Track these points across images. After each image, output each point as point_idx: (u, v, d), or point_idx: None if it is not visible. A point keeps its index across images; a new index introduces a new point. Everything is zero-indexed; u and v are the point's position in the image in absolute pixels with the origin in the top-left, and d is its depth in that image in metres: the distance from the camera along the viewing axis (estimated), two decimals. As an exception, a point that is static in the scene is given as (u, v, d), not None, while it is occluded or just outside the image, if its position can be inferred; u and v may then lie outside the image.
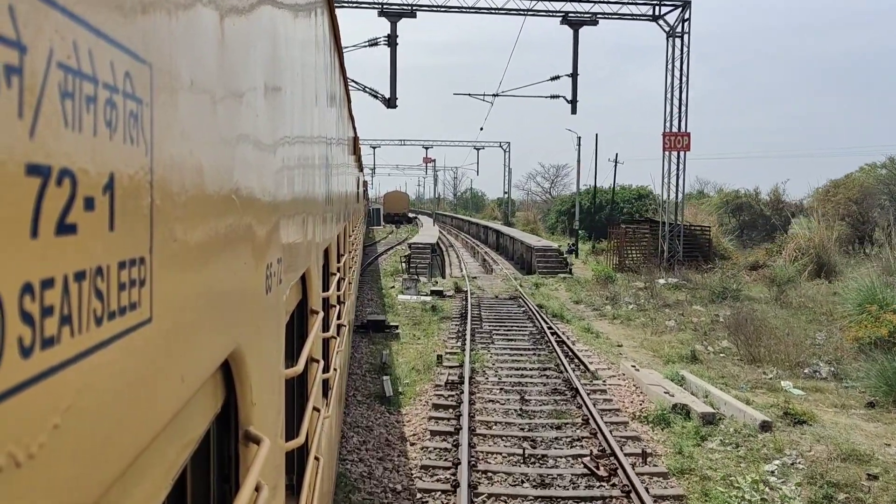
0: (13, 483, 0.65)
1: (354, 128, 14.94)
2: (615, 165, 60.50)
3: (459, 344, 17.31)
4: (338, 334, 6.00)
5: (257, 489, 1.67)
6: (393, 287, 27.76)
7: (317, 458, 3.51)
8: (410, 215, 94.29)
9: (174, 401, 1.16)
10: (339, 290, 6.38)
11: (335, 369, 5.45)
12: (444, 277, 32.29)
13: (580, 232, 60.23)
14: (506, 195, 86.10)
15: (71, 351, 0.76)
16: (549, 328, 19.16)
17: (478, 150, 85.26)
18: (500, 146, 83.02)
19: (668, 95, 34.67)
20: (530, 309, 22.67)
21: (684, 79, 34.65)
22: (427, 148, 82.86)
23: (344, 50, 6.78)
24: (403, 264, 33.46)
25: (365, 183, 43.98)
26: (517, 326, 20.18)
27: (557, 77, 35.03)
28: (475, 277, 33.13)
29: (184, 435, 1.33)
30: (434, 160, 76.57)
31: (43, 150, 0.70)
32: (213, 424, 1.66)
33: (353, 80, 21.86)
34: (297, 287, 3.28)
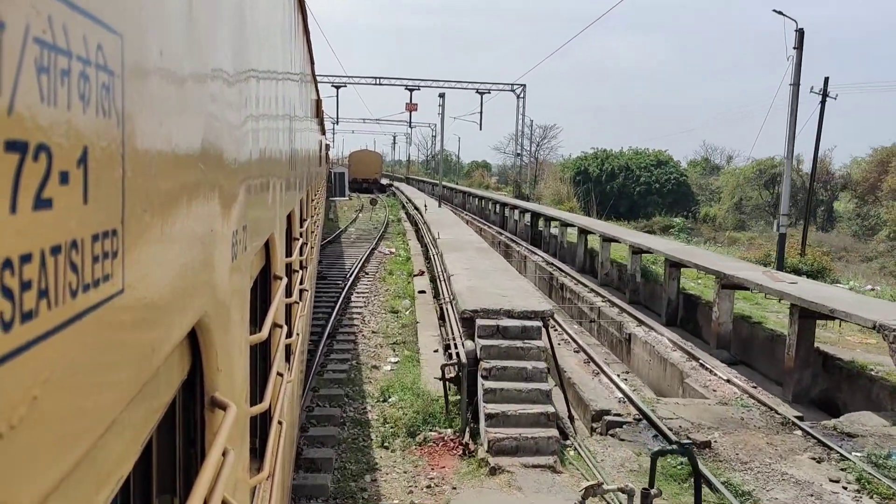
0: None
1: (317, 90, 14.74)
2: (823, 99, 30.74)
3: None
4: (300, 299, 5.99)
5: (224, 454, 1.69)
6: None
7: (280, 422, 3.54)
8: (384, 182, 77.10)
9: (145, 369, 1.17)
10: (301, 255, 6.36)
11: (297, 334, 5.46)
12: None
13: (678, 222, 43.65)
14: (518, 157, 64.23)
15: (49, 324, 0.77)
16: None
17: (481, 94, 58.53)
18: (513, 90, 58.67)
19: None
20: None
21: None
22: (412, 90, 58.81)
23: None
24: (444, 391, 10.98)
25: (327, 146, 41.23)
26: None
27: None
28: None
29: (152, 402, 1.34)
30: (441, 99, 50.44)
31: (20, 125, 0.71)
32: (179, 391, 1.68)
33: None
34: (260, 253, 3.28)
